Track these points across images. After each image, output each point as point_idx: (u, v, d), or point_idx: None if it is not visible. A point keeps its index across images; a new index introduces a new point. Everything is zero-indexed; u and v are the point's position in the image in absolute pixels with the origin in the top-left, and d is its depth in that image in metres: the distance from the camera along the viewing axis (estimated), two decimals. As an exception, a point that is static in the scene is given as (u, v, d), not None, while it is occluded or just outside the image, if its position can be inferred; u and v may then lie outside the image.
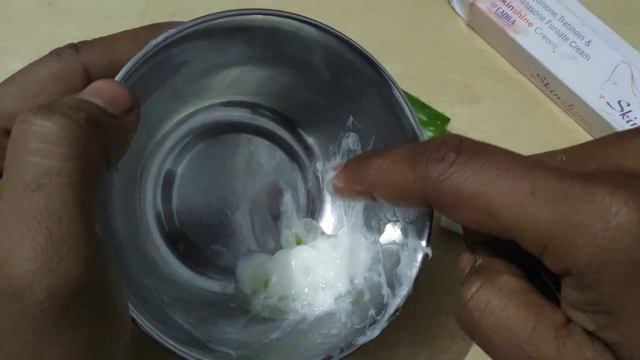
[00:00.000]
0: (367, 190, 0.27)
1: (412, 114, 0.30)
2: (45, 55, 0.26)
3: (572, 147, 0.25)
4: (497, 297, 0.23)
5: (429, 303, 0.36)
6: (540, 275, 0.24)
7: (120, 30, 0.43)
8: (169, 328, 0.28)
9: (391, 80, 0.30)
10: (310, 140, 0.37)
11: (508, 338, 0.23)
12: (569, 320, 0.23)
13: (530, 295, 0.24)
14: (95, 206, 0.21)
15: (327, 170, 0.32)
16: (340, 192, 0.29)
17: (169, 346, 0.27)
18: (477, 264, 0.25)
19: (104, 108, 0.22)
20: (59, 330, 0.20)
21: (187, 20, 0.28)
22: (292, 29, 0.29)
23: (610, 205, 0.20)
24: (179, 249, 0.34)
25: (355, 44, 0.30)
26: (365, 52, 0.30)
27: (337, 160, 0.33)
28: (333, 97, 0.33)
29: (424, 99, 0.39)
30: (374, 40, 0.43)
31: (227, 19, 0.28)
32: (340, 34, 0.29)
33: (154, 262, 0.33)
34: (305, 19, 0.29)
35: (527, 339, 0.23)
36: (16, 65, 0.40)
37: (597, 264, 0.21)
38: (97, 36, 0.41)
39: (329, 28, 0.29)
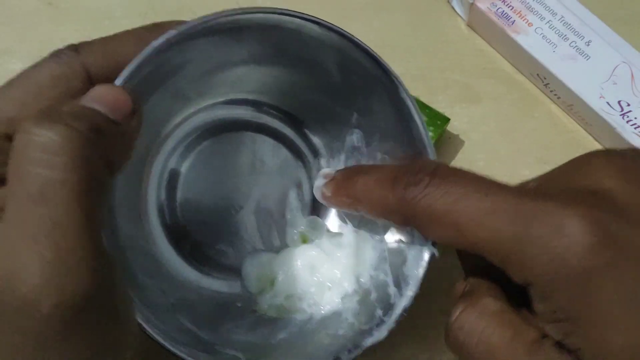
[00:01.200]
0: (352, 203, 0.29)
1: (418, 115, 0.30)
2: (45, 57, 0.26)
3: (543, 174, 0.27)
4: (478, 319, 0.25)
5: (429, 303, 0.36)
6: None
7: (120, 30, 0.43)
8: (176, 331, 0.28)
9: (397, 80, 0.30)
10: (315, 137, 0.36)
11: (488, 356, 0.25)
12: (544, 335, 0.24)
13: (508, 315, 0.25)
14: (100, 215, 0.21)
15: (318, 176, 0.32)
16: (328, 200, 0.31)
17: (178, 352, 0.27)
18: (465, 289, 0.27)
19: (105, 115, 0.22)
20: (67, 342, 0.20)
21: (187, 20, 0.27)
22: (295, 27, 0.29)
23: (561, 218, 0.22)
24: (184, 249, 0.34)
25: (360, 42, 0.30)
26: (370, 51, 0.30)
27: (327, 169, 0.33)
28: (337, 94, 0.33)
29: (424, 99, 0.39)
30: (374, 40, 0.42)
31: (228, 18, 0.28)
32: (344, 32, 0.29)
33: (159, 263, 0.33)
34: (307, 17, 0.29)
35: (504, 355, 0.24)
36: (16, 65, 0.40)
37: (551, 273, 0.22)
38: (97, 36, 0.41)
39: (331, 26, 0.29)
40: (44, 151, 0.20)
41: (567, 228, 0.22)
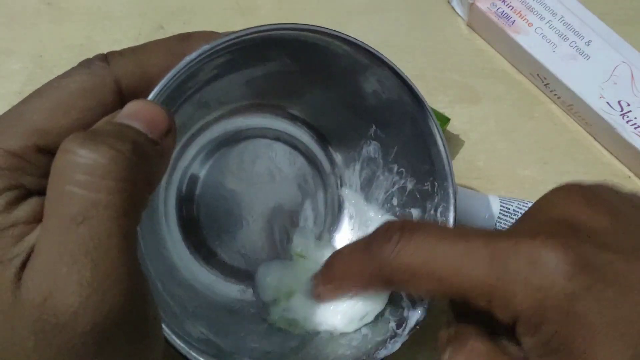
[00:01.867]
0: (338, 286, 0.30)
1: (441, 137, 0.30)
2: (75, 67, 0.25)
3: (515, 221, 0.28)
4: None
5: (429, 303, 0.36)
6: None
7: (120, 30, 0.43)
8: (196, 342, 0.28)
9: (422, 99, 0.30)
10: (332, 146, 0.37)
11: None
12: None
13: (495, 356, 0.25)
14: (137, 234, 0.21)
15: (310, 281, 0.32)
16: (321, 298, 0.31)
17: None
18: (450, 335, 0.28)
19: (145, 134, 0.22)
20: (99, 357, 0.20)
21: (216, 31, 0.27)
22: (325, 44, 0.29)
23: (534, 250, 0.23)
24: (201, 254, 0.34)
25: (387, 59, 0.30)
26: (397, 69, 0.30)
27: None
28: (358, 106, 0.33)
29: (424, 99, 0.39)
30: (374, 40, 0.42)
31: (260, 34, 0.28)
32: (371, 49, 0.29)
33: (177, 268, 0.33)
34: (335, 34, 0.29)
35: None
36: (16, 65, 0.40)
37: (536, 303, 0.23)
38: (97, 36, 0.42)
39: (358, 42, 0.29)
40: (89, 173, 0.20)
41: (542, 259, 0.23)
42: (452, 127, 0.41)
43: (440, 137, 0.30)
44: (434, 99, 0.41)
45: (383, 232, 0.27)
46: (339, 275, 0.30)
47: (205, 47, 0.26)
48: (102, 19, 0.42)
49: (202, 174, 0.34)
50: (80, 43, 0.40)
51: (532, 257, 0.23)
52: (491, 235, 0.25)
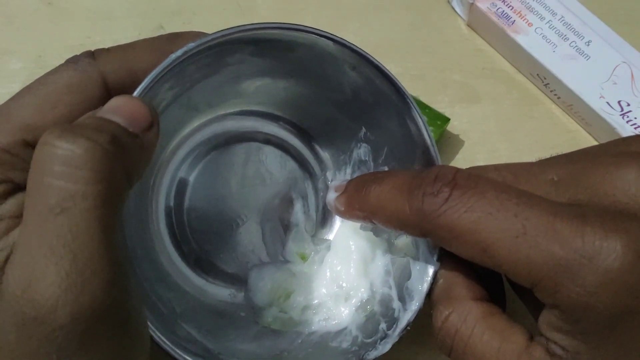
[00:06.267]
0: (366, 216, 0.28)
1: (429, 136, 0.30)
2: (62, 64, 0.26)
3: (564, 164, 0.25)
4: (464, 325, 0.25)
5: (429, 303, 0.36)
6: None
7: (120, 30, 0.43)
8: (182, 340, 0.28)
9: (409, 99, 0.30)
10: (322, 150, 0.37)
11: None
12: (530, 337, 0.24)
13: (493, 319, 0.25)
14: (117, 226, 0.21)
15: (329, 189, 0.31)
16: (342, 214, 0.30)
17: None
18: (439, 283, 0.28)
19: (125, 128, 0.22)
20: (82, 352, 0.20)
21: (205, 32, 0.27)
22: (310, 43, 0.29)
23: (600, 251, 0.21)
24: (191, 258, 0.34)
25: (373, 59, 0.30)
26: (383, 68, 0.30)
27: (337, 181, 0.32)
28: (347, 108, 0.33)
29: (424, 99, 0.39)
30: (374, 40, 0.43)
31: (246, 33, 0.28)
32: (357, 49, 0.29)
33: (166, 271, 0.33)
34: (323, 33, 0.29)
35: None
36: (16, 65, 0.40)
37: (583, 305, 0.22)
38: (97, 36, 0.42)
39: (345, 42, 0.29)
40: (66, 164, 0.20)
41: (606, 262, 0.21)
42: (452, 127, 0.41)
43: (428, 135, 0.30)
44: (434, 99, 0.41)
45: (431, 182, 0.24)
46: (372, 207, 0.27)
47: (191, 44, 0.26)
48: (102, 19, 0.41)
49: (191, 177, 0.34)
50: (80, 43, 0.40)
51: (597, 258, 0.21)
52: (552, 211, 0.22)
